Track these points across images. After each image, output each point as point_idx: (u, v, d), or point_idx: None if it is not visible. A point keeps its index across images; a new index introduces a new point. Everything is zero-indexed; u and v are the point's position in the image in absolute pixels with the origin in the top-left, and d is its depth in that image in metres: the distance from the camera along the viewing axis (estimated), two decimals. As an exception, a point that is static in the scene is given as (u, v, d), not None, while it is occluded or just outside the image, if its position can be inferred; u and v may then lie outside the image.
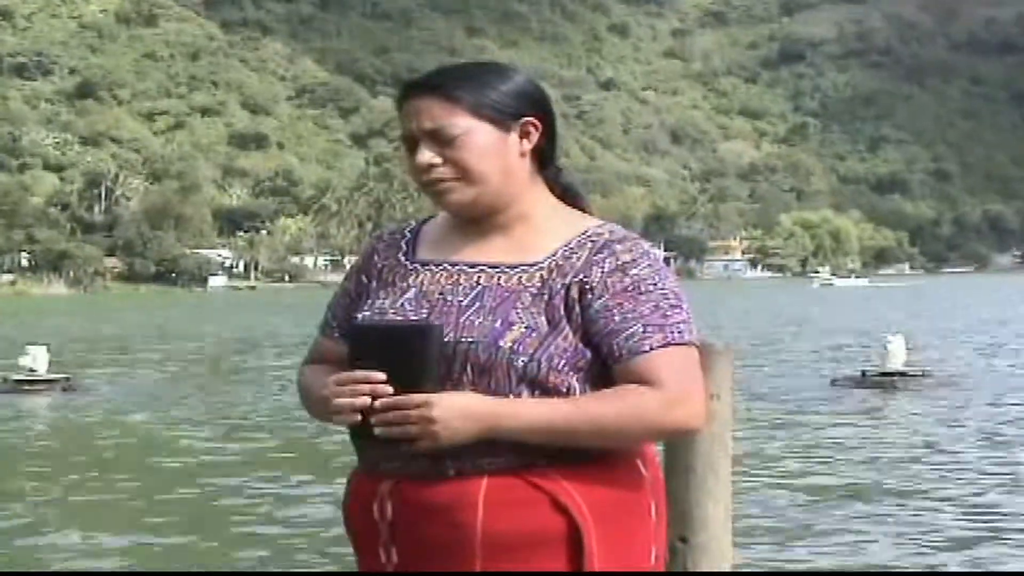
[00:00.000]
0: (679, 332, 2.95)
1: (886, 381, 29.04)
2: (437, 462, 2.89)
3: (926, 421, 24.22)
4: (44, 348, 32.30)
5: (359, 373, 2.88)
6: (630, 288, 2.95)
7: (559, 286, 2.96)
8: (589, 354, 2.93)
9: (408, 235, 3.19)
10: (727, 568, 4.72)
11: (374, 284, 3.14)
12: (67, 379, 31.82)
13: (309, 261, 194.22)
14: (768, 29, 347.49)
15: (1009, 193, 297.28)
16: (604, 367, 2.94)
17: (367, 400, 2.86)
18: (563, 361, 2.91)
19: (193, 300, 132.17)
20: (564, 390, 2.90)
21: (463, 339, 2.90)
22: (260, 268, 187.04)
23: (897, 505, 15.69)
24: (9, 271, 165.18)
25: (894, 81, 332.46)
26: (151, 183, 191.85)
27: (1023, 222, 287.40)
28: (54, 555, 13.51)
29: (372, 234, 3.20)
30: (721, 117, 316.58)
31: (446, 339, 2.90)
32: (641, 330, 2.92)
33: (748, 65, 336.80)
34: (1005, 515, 14.63)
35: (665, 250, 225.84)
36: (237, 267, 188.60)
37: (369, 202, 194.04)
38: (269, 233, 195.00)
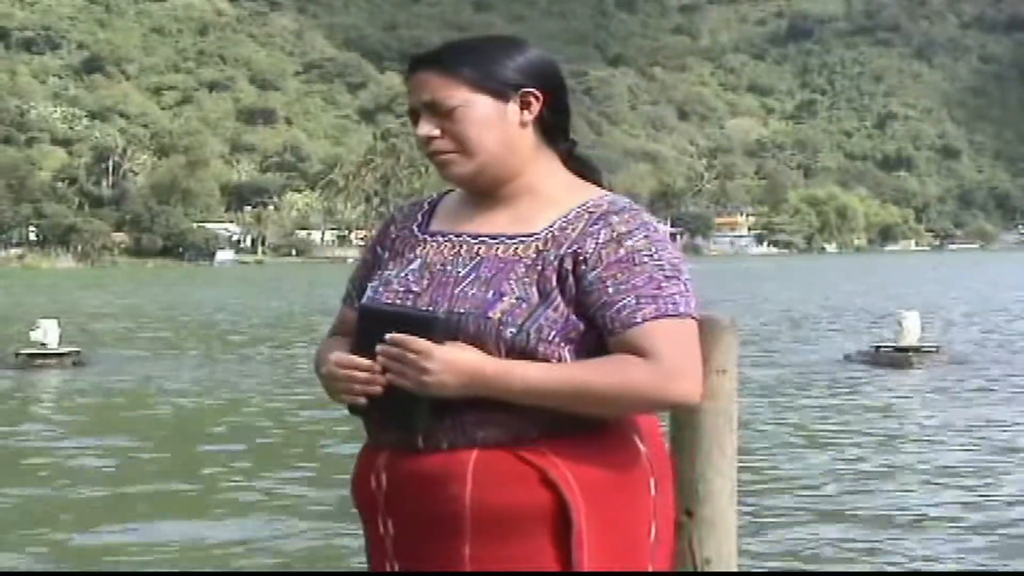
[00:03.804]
0: (673, 304, 2.92)
1: (900, 357, 28.91)
2: (430, 435, 2.90)
3: (942, 397, 24.11)
4: (55, 322, 32.24)
5: (358, 360, 2.92)
6: (624, 259, 2.92)
7: (553, 257, 2.94)
8: (582, 325, 2.92)
9: (426, 207, 3.21)
10: (732, 543, 4.72)
11: (386, 255, 3.16)
12: (77, 353, 31.79)
13: (316, 236, 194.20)
14: (776, 5, 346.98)
15: (1016, 171, 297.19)
16: (600, 339, 2.92)
17: (363, 391, 2.93)
18: (553, 332, 2.90)
19: (201, 274, 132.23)
20: (554, 361, 2.89)
21: (455, 311, 2.91)
22: (267, 243, 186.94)
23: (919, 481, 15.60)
24: (17, 245, 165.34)
25: (902, 58, 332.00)
26: (159, 158, 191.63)
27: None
28: (64, 532, 13.42)
29: (394, 207, 3.28)
30: (728, 94, 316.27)
31: (441, 314, 2.92)
32: (634, 302, 2.89)
33: (756, 42, 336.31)
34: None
35: (672, 226, 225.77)
36: (244, 242, 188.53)
37: (376, 177, 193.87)
38: (276, 208, 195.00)
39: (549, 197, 3.05)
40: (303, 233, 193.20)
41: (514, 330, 2.88)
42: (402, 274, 3.06)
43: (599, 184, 3.13)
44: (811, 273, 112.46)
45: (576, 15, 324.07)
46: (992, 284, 78.21)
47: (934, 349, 29.97)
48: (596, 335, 2.92)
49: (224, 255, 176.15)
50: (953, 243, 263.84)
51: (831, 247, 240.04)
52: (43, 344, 31.21)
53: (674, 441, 4.82)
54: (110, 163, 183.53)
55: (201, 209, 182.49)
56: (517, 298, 2.90)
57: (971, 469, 16.43)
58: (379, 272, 3.13)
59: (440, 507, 2.89)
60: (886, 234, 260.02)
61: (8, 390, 26.98)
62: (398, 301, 3.00)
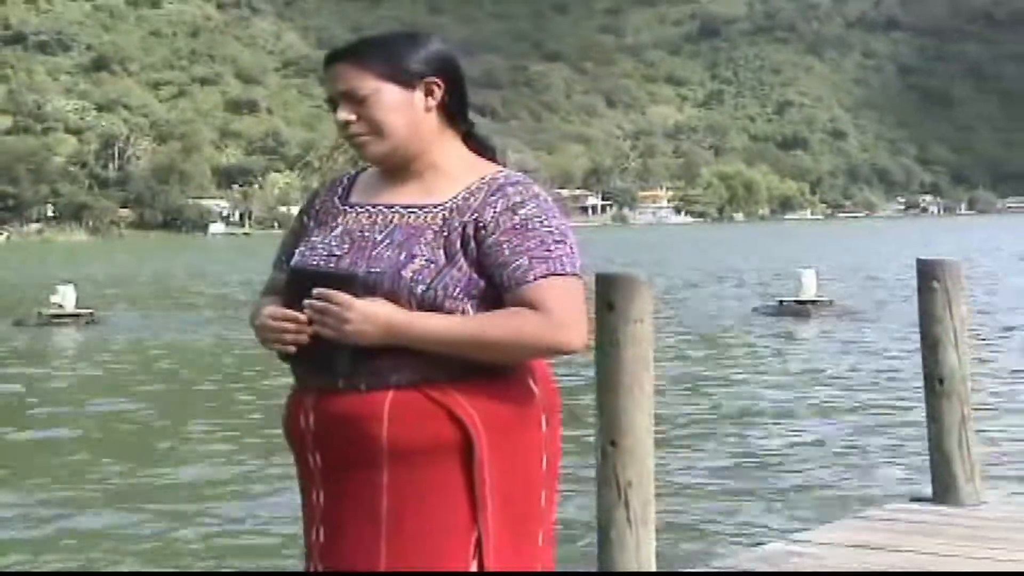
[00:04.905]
0: (561, 264, 2.92)
1: (801, 309, 29.11)
2: (351, 378, 2.91)
3: (834, 342, 24.27)
4: (71, 287, 32.14)
5: (289, 312, 2.93)
6: (518, 226, 2.93)
7: (457, 224, 2.95)
8: (482, 283, 2.92)
9: (345, 182, 3.20)
10: (650, 468, 4.74)
11: (312, 224, 3.13)
12: (91, 314, 31.68)
13: (295, 210, 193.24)
14: (689, 8, 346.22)
15: (895, 150, 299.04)
16: (498, 295, 2.93)
17: (293, 340, 2.93)
18: (458, 289, 2.90)
19: (196, 245, 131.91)
20: (458, 314, 2.90)
21: (372, 270, 2.92)
22: (253, 217, 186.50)
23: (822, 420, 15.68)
24: (37, 221, 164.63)
25: (797, 54, 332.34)
26: (158, 144, 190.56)
27: (906, 175, 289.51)
28: (80, 472, 13.35)
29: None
30: (649, 84, 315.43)
31: (360, 272, 2.92)
32: (527, 263, 2.90)
33: (672, 39, 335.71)
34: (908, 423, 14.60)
35: (602, 199, 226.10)
36: (233, 216, 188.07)
37: (347, 159, 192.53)
38: (260, 187, 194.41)
39: (450, 172, 3.04)
40: (284, 208, 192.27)
41: (424, 287, 2.89)
42: (326, 240, 3.05)
43: (494, 160, 3.13)
44: (723, 239, 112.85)
45: (517, 17, 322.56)
46: (876, 247, 78.73)
47: (828, 302, 30.19)
48: (495, 292, 2.92)
49: (216, 228, 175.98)
50: (843, 212, 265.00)
51: (739, 216, 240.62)
52: (61, 306, 31.13)
53: (600, 381, 4.86)
54: (116, 149, 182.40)
55: (195, 188, 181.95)
56: (427, 260, 2.91)
57: (854, 403, 16.55)
58: (306, 239, 3.11)
59: (361, 441, 2.89)
60: (786, 205, 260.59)
61: (32, 346, 26.90)
62: (322, 263, 3.00)
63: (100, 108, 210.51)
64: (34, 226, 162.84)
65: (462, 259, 2.92)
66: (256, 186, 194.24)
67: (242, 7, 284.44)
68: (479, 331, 2.87)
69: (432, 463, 2.88)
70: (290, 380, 2.96)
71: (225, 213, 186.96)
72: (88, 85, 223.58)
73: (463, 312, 2.90)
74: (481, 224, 2.94)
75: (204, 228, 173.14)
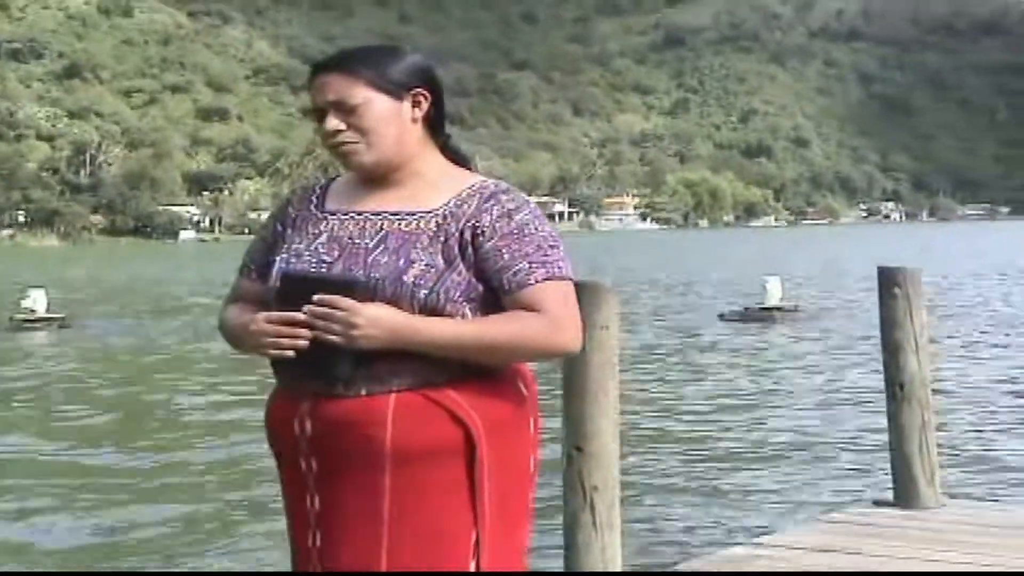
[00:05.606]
0: (558, 268, 2.95)
1: (766, 315, 29.20)
2: (351, 383, 2.88)
3: (800, 347, 24.33)
4: (43, 291, 32.03)
5: (286, 315, 2.88)
6: (515, 231, 2.95)
7: (454, 229, 2.95)
8: (481, 287, 2.93)
9: (318, 190, 3.17)
10: (615, 472, 4.74)
11: (289, 231, 3.10)
12: (62, 318, 31.57)
13: (265, 216, 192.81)
14: (654, 18, 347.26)
15: (857, 158, 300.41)
16: (496, 299, 2.93)
17: (291, 345, 2.86)
18: (458, 293, 2.90)
19: (166, 250, 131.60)
20: (459, 318, 2.90)
21: (372, 276, 2.90)
22: (223, 223, 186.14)
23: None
24: (8, 226, 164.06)
25: (761, 63, 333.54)
26: (129, 151, 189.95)
27: (868, 182, 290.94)
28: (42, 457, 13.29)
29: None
30: (616, 93, 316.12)
31: (361, 278, 2.90)
32: (527, 267, 2.92)
33: (638, 49, 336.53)
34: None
35: (569, 206, 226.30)
36: (204, 222, 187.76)
37: (316, 166, 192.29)
38: (231, 193, 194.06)
39: (433, 180, 3.04)
40: (254, 214, 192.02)
41: (427, 291, 2.88)
42: (311, 247, 3.01)
43: (469, 169, 3.14)
44: (688, 245, 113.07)
45: (486, 26, 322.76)
46: (839, 253, 78.97)
47: (793, 308, 30.28)
48: (492, 296, 2.93)
49: (187, 234, 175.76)
50: (806, 219, 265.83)
51: (704, 223, 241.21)
52: (33, 311, 31.01)
53: (566, 387, 4.85)
54: (87, 155, 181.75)
55: (166, 194, 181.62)
56: (426, 264, 2.90)
57: (820, 404, 16.60)
58: (285, 246, 3.07)
59: (363, 445, 2.87)
60: (750, 211, 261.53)
61: (4, 349, 26.77)
62: (312, 269, 2.97)
63: (72, 115, 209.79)
64: (5, 231, 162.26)
65: (461, 264, 2.92)
66: (226, 193, 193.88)
67: (213, 16, 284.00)
68: (482, 334, 2.87)
69: (434, 465, 2.88)
70: (267, 384, 2.94)
71: (196, 219, 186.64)
72: (60, 92, 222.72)
73: (463, 316, 2.90)
74: (479, 230, 2.94)
75: (175, 234, 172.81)
